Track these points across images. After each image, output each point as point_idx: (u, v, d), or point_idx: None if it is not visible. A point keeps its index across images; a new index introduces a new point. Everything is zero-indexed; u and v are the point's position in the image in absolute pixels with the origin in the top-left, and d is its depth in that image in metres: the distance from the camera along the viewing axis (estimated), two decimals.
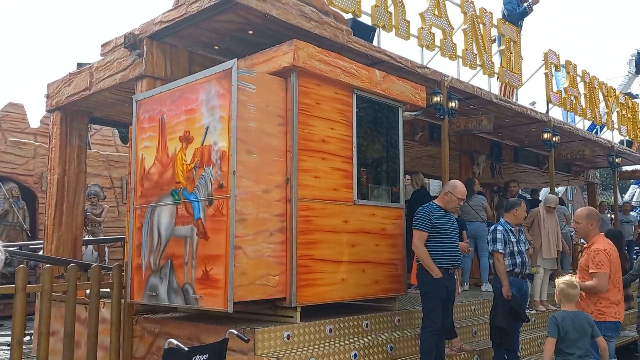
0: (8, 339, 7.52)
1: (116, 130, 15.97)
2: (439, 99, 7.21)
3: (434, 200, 5.43)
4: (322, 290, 4.98)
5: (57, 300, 5.59)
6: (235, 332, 3.55)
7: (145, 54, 5.71)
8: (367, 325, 5.36)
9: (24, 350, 4.89)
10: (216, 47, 5.99)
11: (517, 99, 10.24)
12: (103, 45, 6.47)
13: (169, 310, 5.56)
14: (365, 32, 6.61)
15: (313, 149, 5.04)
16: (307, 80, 5.02)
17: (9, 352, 7.12)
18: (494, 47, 9.32)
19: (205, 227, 4.67)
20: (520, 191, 10.63)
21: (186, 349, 3.12)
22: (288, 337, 4.64)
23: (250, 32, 5.59)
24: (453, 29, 8.14)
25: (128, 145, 16.89)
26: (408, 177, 8.63)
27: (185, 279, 4.74)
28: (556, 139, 9.69)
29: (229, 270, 4.38)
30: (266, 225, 4.71)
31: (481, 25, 8.66)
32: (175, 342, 3.15)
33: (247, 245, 4.53)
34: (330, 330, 5.00)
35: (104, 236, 11.63)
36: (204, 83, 4.84)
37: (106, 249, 11.64)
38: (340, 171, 5.28)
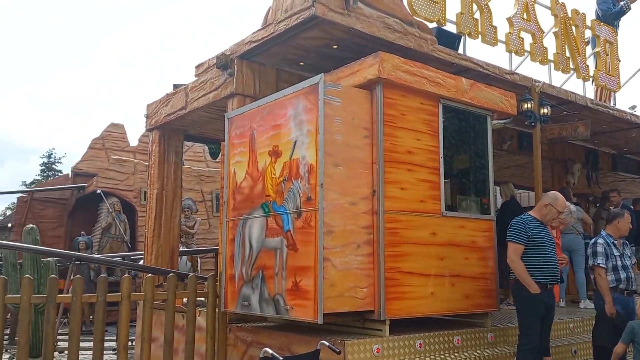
0: (112, 344, 8.08)
1: (206, 147, 16.77)
2: (529, 105, 6.93)
3: (529, 212, 5.20)
4: (410, 303, 4.91)
5: (156, 308, 5.93)
6: (327, 344, 3.58)
7: (235, 73, 5.97)
8: (458, 341, 5.20)
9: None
10: (302, 63, 6.15)
11: (614, 103, 9.61)
12: (197, 67, 6.84)
13: (259, 319, 5.71)
14: (451, 41, 6.51)
15: (399, 161, 5.01)
16: (392, 91, 5.02)
17: (114, 356, 7.63)
18: (588, 50, 8.84)
19: (294, 239, 4.77)
20: (622, 201, 9.91)
21: (281, 358, 3.19)
22: (377, 350, 4.61)
23: (335, 46, 5.69)
24: (543, 32, 7.83)
25: (219, 160, 17.60)
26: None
27: (276, 290, 4.85)
28: None
29: (319, 282, 4.43)
30: (353, 238, 4.73)
31: (573, 27, 8.26)
32: (270, 351, 3.23)
33: (335, 257, 4.57)
34: (420, 345, 4.91)
35: (197, 247, 12.19)
36: (291, 98, 4.98)
37: (198, 259, 12.20)
38: (427, 182, 5.20)
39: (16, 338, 8.72)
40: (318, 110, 4.64)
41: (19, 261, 8.09)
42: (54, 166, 40.03)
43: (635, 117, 8.94)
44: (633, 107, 13.47)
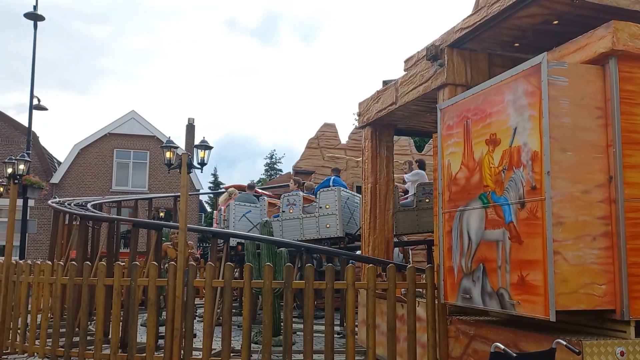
0: (336, 328, 8.66)
1: (411, 140, 16.91)
2: None
3: None
4: None
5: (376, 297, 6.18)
6: (564, 343, 3.33)
7: (446, 62, 5.90)
8: None
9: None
10: (516, 44, 5.80)
11: None
12: (406, 61, 6.94)
13: (478, 312, 5.57)
14: None
15: None
16: (629, 64, 4.43)
17: (338, 339, 8.19)
18: None
19: (518, 231, 4.54)
20: None
21: (514, 355, 3.07)
22: (622, 353, 4.13)
23: (556, 22, 5.24)
24: None
25: (425, 152, 17.54)
26: None
27: (500, 284, 4.68)
28: None
29: (549, 277, 4.15)
30: (587, 229, 4.32)
31: None
32: (502, 346, 3.13)
33: (567, 251, 4.23)
34: None
35: (407, 239, 12.38)
36: (509, 83, 4.73)
37: (409, 251, 12.38)
38: None
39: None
40: (541, 92, 4.33)
41: (257, 251, 9.19)
42: (275, 166, 44.62)
43: None
44: None
